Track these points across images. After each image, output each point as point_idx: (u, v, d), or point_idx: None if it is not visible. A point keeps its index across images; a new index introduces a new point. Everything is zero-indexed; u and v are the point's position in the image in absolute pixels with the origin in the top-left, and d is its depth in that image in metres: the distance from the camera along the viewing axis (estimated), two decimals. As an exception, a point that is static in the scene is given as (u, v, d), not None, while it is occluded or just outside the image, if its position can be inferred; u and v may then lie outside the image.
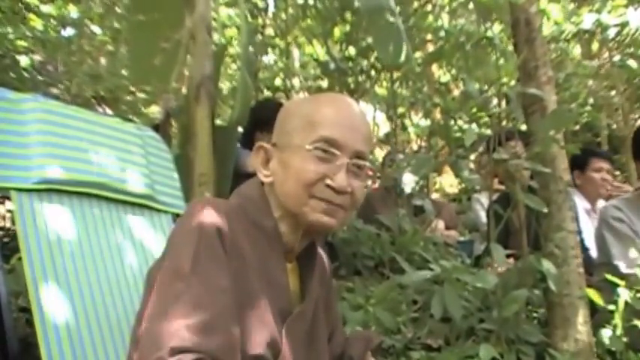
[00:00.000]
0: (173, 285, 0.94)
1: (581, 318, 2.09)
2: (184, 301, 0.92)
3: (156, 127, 2.35)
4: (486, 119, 2.42)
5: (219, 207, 1.04)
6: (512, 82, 2.33)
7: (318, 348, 1.16)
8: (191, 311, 0.91)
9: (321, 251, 1.25)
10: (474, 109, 2.30)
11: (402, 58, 2.80)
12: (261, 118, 2.70)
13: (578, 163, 3.21)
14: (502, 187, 3.21)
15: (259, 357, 0.98)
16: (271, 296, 1.04)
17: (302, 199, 1.05)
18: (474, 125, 2.44)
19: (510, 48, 2.31)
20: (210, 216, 1.00)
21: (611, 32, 4.88)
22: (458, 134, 2.19)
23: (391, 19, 2.81)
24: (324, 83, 4.85)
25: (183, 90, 2.46)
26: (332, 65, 4.02)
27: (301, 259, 1.17)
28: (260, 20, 5.98)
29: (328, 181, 1.04)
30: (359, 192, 1.08)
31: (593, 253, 2.86)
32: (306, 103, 1.14)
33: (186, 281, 0.94)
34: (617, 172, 7.34)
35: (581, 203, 3.22)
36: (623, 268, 2.32)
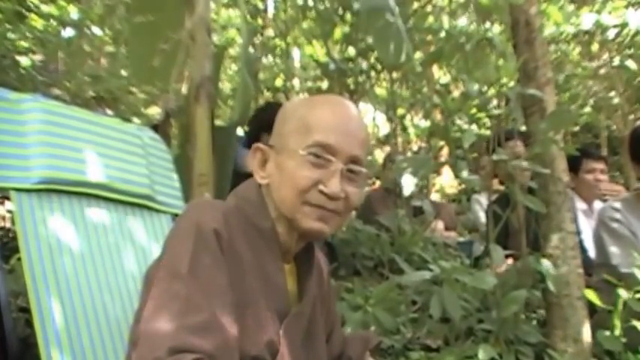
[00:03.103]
0: (171, 285, 0.94)
1: (580, 318, 2.09)
2: (182, 302, 0.92)
3: (155, 127, 2.36)
4: (486, 120, 2.42)
5: (216, 208, 1.05)
6: (512, 83, 2.34)
7: (317, 348, 1.16)
8: (189, 311, 0.91)
9: (318, 251, 1.25)
10: (474, 110, 2.30)
11: (403, 57, 2.81)
12: (268, 120, 2.70)
13: (572, 165, 3.20)
14: (502, 188, 3.21)
15: (257, 357, 0.98)
16: (269, 297, 1.04)
17: (295, 205, 1.04)
18: (473, 126, 2.44)
19: (510, 49, 2.32)
20: (207, 216, 1.01)
21: (611, 33, 4.88)
22: (457, 135, 2.19)
23: (391, 19, 2.82)
24: (324, 84, 4.86)
25: (183, 90, 2.47)
26: (332, 66, 4.02)
27: (299, 260, 1.17)
28: (260, 21, 5.99)
29: (321, 187, 1.03)
30: (354, 197, 1.07)
31: (592, 254, 2.86)
32: (303, 105, 1.12)
33: (183, 281, 0.94)
34: (617, 173, 7.36)
35: (578, 204, 3.21)
36: (622, 268, 2.31)
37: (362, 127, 1.12)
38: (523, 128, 2.39)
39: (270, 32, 6.42)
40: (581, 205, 3.26)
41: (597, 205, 3.32)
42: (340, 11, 4.04)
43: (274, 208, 1.10)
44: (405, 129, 6.23)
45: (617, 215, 2.49)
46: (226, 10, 7.79)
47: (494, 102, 2.28)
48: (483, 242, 3.17)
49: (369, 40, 3.69)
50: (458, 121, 2.28)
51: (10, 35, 5.12)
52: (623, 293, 2.03)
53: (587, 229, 3.12)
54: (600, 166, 3.26)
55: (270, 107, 3.20)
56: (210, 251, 0.98)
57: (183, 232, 1.00)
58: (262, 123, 2.94)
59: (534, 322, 2.28)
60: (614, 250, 2.43)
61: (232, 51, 7.04)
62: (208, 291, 0.94)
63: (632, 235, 2.43)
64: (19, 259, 1.49)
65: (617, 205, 2.54)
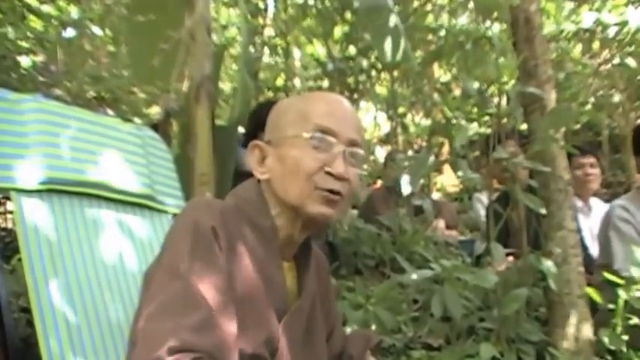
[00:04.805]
0: (170, 284, 0.95)
1: (582, 317, 2.09)
2: (181, 301, 0.92)
3: (155, 127, 2.35)
4: (487, 118, 2.42)
5: (214, 206, 1.05)
6: (513, 82, 2.34)
7: (316, 345, 1.16)
8: (188, 310, 0.91)
9: (318, 250, 1.26)
10: (474, 108, 2.30)
11: (400, 57, 2.81)
12: (264, 119, 2.70)
13: None
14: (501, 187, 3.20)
15: (257, 355, 0.99)
16: (268, 294, 1.05)
17: (303, 190, 1.06)
18: (474, 124, 2.44)
19: (510, 47, 2.31)
20: (205, 215, 1.01)
21: (611, 31, 4.88)
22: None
23: (389, 17, 2.81)
24: (325, 83, 4.86)
25: (184, 90, 2.47)
26: (330, 66, 4.03)
27: (297, 258, 1.17)
28: (260, 20, 5.99)
29: (328, 169, 1.06)
30: (355, 180, 1.10)
31: (593, 251, 2.85)
32: (297, 100, 1.16)
33: (182, 281, 0.94)
34: (619, 171, 7.35)
35: (575, 202, 3.18)
36: (623, 272, 2.26)
37: (355, 116, 1.17)
38: (524, 126, 2.38)
39: (270, 31, 6.42)
40: (577, 202, 3.23)
41: (593, 201, 3.31)
42: (340, 10, 4.04)
43: (276, 203, 1.10)
44: (405, 128, 6.23)
45: (626, 215, 2.43)
46: (227, 10, 7.80)
47: (495, 100, 2.28)
48: (485, 241, 3.17)
49: (368, 38, 3.69)
50: (459, 120, 2.28)
51: (10, 35, 5.12)
52: (624, 293, 2.02)
53: (585, 226, 3.10)
54: (589, 160, 3.21)
55: (266, 106, 3.20)
56: (208, 250, 0.98)
57: (181, 231, 1.01)
58: (259, 122, 2.94)
59: (536, 321, 2.28)
60: (618, 252, 2.37)
61: (233, 50, 7.04)
62: (207, 290, 0.94)
63: (638, 237, 2.38)
64: (20, 259, 1.49)
65: (626, 204, 2.49)
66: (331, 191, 1.06)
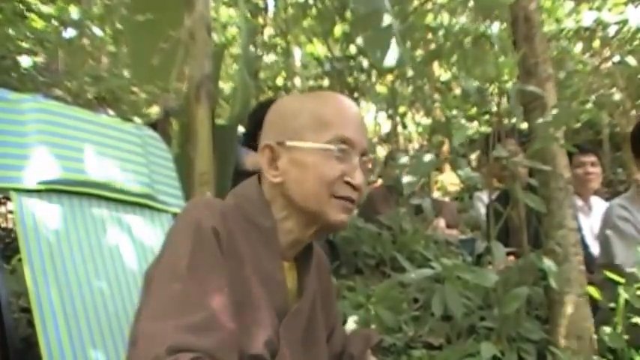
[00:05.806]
0: (170, 284, 0.94)
1: (583, 316, 2.09)
2: (181, 301, 0.92)
3: (153, 126, 2.35)
4: (487, 117, 2.42)
5: (215, 206, 1.05)
6: (513, 80, 2.33)
7: (316, 345, 1.16)
8: (188, 310, 0.91)
9: (319, 249, 1.25)
10: (474, 107, 2.30)
11: (394, 61, 2.79)
12: (264, 118, 2.69)
13: None
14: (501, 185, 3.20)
15: (257, 356, 0.98)
16: (268, 295, 1.04)
17: (323, 199, 1.05)
18: (475, 123, 2.44)
19: (511, 45, 2.31)
20: (206, 215, 1.01)
21: (611, 30, 4.88)
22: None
23: (385, 21, 2.81)
24: (325, 82, 4.87)
25: (184, 89, 2.47)
26: (327, 66, 4.03)
27: (298, 258, 1.16)
28: (260, 20, 6.00)
29: (347, 179, 1.06)
30: (364, 188, 1.11)
31: (593, 250, 2.84)
32: (309, 100, 1.13)
33: (182, 280, 0.94)
34: (620, 170, 7.35)
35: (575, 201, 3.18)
36: (625, 267, 2.26)
37: (363, 121, 1.17)
38: (524, 125, 2.38)
39: (270, 31, 6.43)
40: (578, 201, 3.22)
41: (594, 200, 3.30)
42: (340, 9, 4.04)
43: (286, 206, 1.09)
44: (405, 127, 6.24)
45: (625, 214, 2.43)
46: (227, 9, 7.80)
47: (495, 99, 2.28)
48: (485, 240, 3.17)
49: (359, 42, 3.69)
50: (459, 119, 2.28)
51: (11, 33, 5.12)
52: (625, 292, 2.02)
53: (586, 225, 3.09)
54: (590, 159, 3.20)
55: (266, 105, 3.19)
56: (208, 250, 0.98)
57: (182, 230, 1.01)
58: (259, 121, 2.94)
59: (536, 320, 2.28)
60: (619, 249, 2.37)
61: (233, 50, 7.05)
62: (207, 290, 0.94)
63: (638, 235, 2.39)
64: (20, 259, 1.49)
65: (625, 202, 2.48)
66: (348, 199, 1.07)
